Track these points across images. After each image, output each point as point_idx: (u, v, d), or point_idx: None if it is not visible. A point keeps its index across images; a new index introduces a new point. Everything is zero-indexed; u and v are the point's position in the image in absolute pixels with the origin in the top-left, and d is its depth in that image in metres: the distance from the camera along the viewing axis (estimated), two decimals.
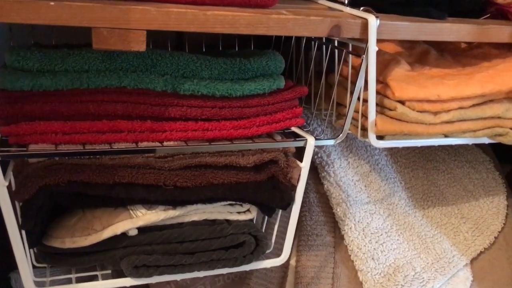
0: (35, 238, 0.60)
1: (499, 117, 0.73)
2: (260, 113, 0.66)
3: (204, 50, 0.81)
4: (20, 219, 0.57)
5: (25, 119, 0.57)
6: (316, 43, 0.74)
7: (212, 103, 0.63)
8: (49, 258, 0.62)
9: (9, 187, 0.55)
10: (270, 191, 0.66)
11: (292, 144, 0.67)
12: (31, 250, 0.65)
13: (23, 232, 0.59)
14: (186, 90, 0.62)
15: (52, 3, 0.49)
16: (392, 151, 0.94)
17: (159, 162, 0.61)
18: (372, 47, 0.63)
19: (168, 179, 0.61)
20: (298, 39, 0.82)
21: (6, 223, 0.56)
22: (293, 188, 0.67)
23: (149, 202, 0.62)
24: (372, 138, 0.69)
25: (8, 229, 0.56)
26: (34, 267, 0.65)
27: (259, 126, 0.66)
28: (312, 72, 0.77)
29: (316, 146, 0.69)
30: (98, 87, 0.58)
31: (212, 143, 0.64)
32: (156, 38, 0.68)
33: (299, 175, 0.67)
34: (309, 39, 0.78)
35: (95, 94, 0.59)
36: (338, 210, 0.82)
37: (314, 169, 0.86)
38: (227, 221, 0.67)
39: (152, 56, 0.61)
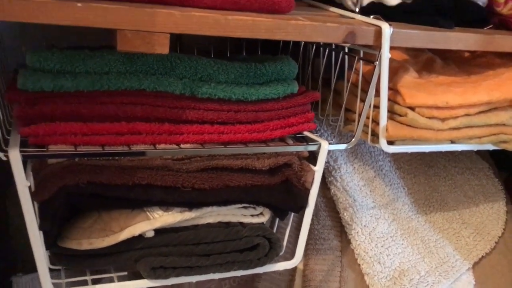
0: (52, 239, 0.60)
1: (503, 124, 0.75)
2: (274, 117, 0.67)
3: (212, 55, 0.82)
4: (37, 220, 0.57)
5: (45, 120, 0.57)
6: (326, 50, 0.75)
7: (228, 106, 0.64)
8: (65, 259, 0.62)
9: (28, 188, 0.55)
10: (284, 194, 0.67)
11: (306, 148, 0.68)
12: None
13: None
14: (204, 94, 0.62)
15: (79, 5, 0.49)
16: (394, 157, 0.96)
17: (177, 164, 0.62)
18: (386, 54, 0.65)
19: (186, 181, 0.61)
20: (306, 45, 0.84)
21: (27, 223, 0.55)
22: (307, 191, 0.68)
23: (167, 204, 0.62)
24: (383, 144, 0.70)
25: (29, 230, 0.56)
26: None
27: (273, 130, 0.67)
28: (320, 78, 0.79)
29: None
30: (118, 89, 0.59)
31: (227, 146, 0.65)
32: None
33: (313, 178, 0.68)
34: (318, 46, 0.79)
35: (114, 96, 0.59)
36: (345, 214, 0.83)
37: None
38: (241, 223, 0.68)
39: (171, 60, 0.61)
